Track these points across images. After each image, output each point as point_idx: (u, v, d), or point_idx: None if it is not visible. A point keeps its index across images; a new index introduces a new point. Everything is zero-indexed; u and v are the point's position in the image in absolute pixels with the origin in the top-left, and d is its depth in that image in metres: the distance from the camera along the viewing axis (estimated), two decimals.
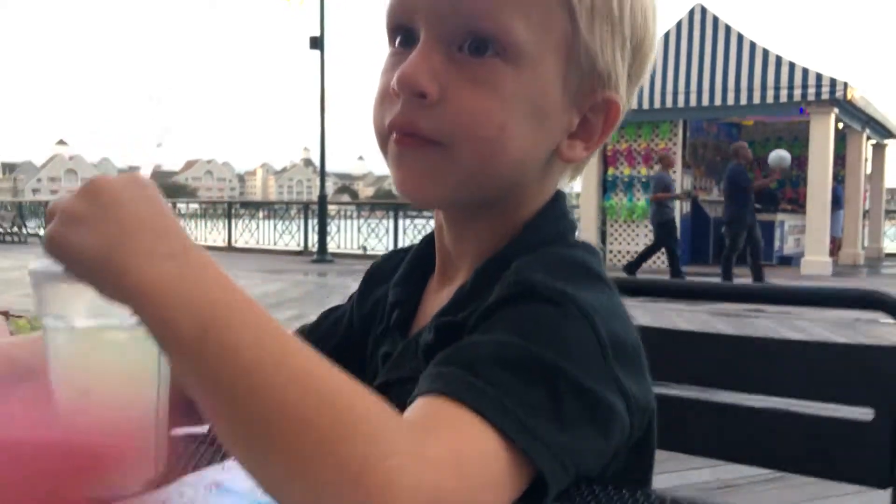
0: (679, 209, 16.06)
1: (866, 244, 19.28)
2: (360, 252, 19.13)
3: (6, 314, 2.35)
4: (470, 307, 0.66)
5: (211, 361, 0.50)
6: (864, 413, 1.05)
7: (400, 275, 0.82)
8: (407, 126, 0.67)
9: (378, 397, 0.52)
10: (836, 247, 17.53)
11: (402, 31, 0.70)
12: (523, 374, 0.56)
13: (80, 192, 0.55)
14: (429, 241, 0.81)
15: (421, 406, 0.55)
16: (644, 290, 1.31)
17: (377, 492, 0.46)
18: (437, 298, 0.77)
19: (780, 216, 17.27)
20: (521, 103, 0.66)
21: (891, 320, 1.04)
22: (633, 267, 12.94)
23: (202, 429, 0.77)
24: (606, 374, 0.60)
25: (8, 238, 26.02)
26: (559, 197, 0.76)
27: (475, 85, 0.65)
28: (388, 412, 0.51)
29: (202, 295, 0.52)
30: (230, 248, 22.07)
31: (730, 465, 1.16)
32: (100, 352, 0.59)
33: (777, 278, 13.84)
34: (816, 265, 14.67)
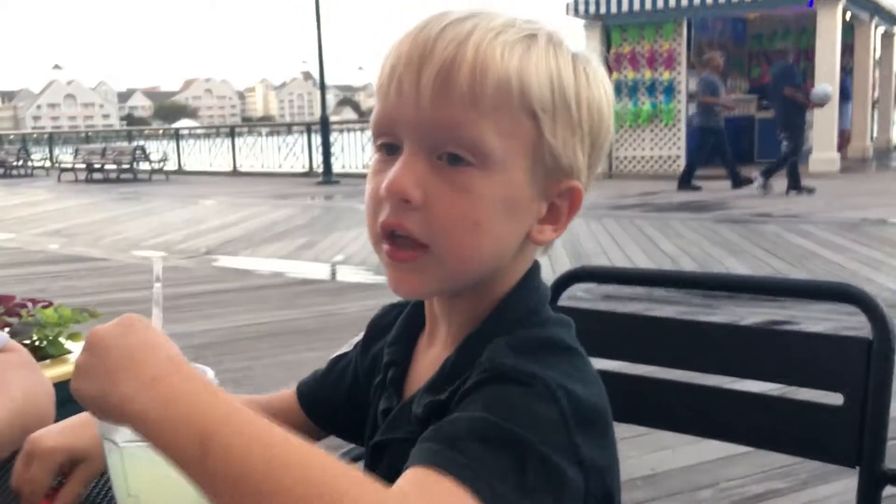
0: (685, 111, 15.89)
1: (875, 136, 19.08)
2: (365, 171, 19.06)
3: (30, 302, 2.42)
4: (453, 384, 0.75)
5: (216, 470, 0.58)
6: (835, 398, 1.14)
7: (393, 335, 0.90)
8: (396, 227, 0.75)
9: (367, 476, 0.60)
10: (844, 140, 17.36)
11: (386, 142, 0.77)
12: (494, 447, 0.65)
13: (86, 346, 0.65)
14: (419, 302, 0.89)
15: (409, 477, 0.64)
16: (612, 278, 1.37)
17: None
18: (426, 358, 0.86)
19: None
20: (493, 202, 0.74)
21: None
22: (686, 178, 12.47)
23: None
24: (567, 446, 0.68)
25: (14, 172, 26.01)
26: (533, 270, 0.83)
27: (453, 190, 0.73)
28: (379, 490, 0.59)
29: (194, 411, 0.60)
30: (235, 173, 22.08)
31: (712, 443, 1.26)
32: (140, 463, 0.69)
33: (785, 177, 13.80)
34: (824, 162, 14.59)
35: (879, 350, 1.07)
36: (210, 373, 0.73)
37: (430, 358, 0.84)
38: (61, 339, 2.44)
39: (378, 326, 0.96)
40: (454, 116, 0.72)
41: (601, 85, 0.79)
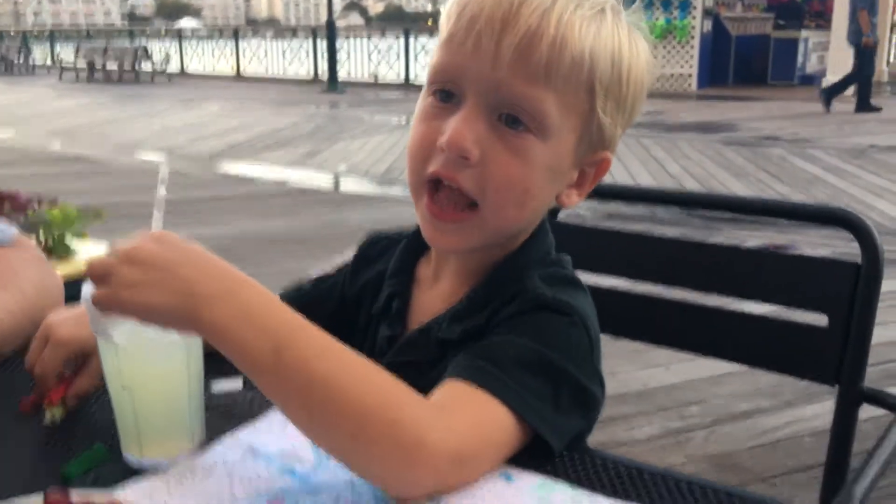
0: (700, 27, 15.53)
1: (892, 60, 18.67)
2: (372, 81, 18.84)
3: (36, 202, 2.44)
4: (484, 312, 0.81)
5: (287, 376, 0.65)
6: (821, 319, 1.17)
7: (394, 268, 0.94)
8: (450, 180, 0.78)
9: (410, 388, 0.67)
10: None
11: (443, 88, 0.79)
12: (536, 371, 0.73)
13: (129, 260, 0.66)
14: (417, 234, 0.91)
15: (451, 389, 0.72)
16: (607, 195, 1.37)
17: (427, 456, 0.65)
18: (433, 290, 0.90)
19: (803, 33, 16.67)
20: (543, 169, 0.78)
21: None
22: (831, 94, 11.92)
23: (237, 384, 0.90)
24: (592, 368, 0.78)
25: (15, 69, 25.65)
26: (543, 217, 0.88)
27: (510, 153, 0.76)
28: (422, 399, 0.68)
29: (268, 322, 0.66)
30: (239, 77, 21.77)
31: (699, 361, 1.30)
32: (135, 361, 0.73)
33: (797, 100, 13.62)
34: None
35: (867, 273, 1.10)
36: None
37: (439, 290, 0.89)
38: (67, 238, 2.48)
39: (366, 257, 0.99)
40: (527, 86, 0.75)
41: (648, 59, 0.82)
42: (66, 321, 0.85)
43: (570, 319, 0.77)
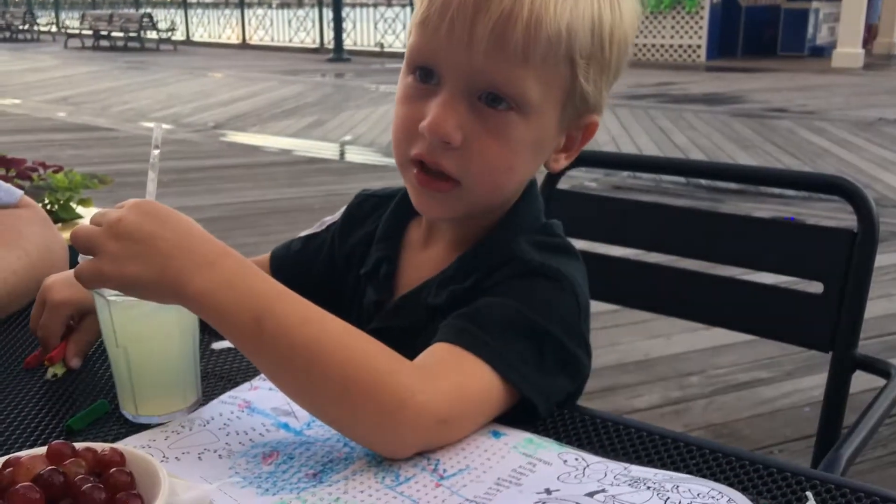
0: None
1: None
2: (377, 50, 18.71)
3: (41, 166, 2.45)
4: (474, 275, 0.82)
5: (269, 343, 0.67)
6: (815, 286, 1.18)
7: (383, 231, 0.94)
8: (432, 164, 0.78)
9: (395, 352, 0.69)
10: (871, 35, 16.84)
11: (422, 69, 0.78)
12: (520, 333, 0.74)
13: (112, 233, 0.68)
14: (405, 198, 0.91)
15: (436, 352, 0.73)
16: (606, 164, 1.38)
17: (411, 418, 0.67)
18: (422, 255, 0.91)
19: (814, 3, 16.47)
20: (526, 146, 0.79)
21: None
22: None
23: None
24: (580, 334, 0.79)
25: (20, 36, 25.53)
26: (532, 181, 0.88)
27: (492, 135, 0.77)
28: (406, 362, 0.69)
29: (248, 291, 0.68)
30: (244, 46, 21.63)
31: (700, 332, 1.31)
32: (127, 318, 0.74)
33: (807, 72, 13.50)
34: (848, 57, 14.20)
35: (862, 241, 1.11)
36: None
37: (428, 256, 0.90)
38: (72, 204, 2.49)
39: (355, 217, 1.00)
40: (505, 69, 0.74)
41: (632, 16, 0.80)
42: (62, 283, 0.87)
43: (559, 284, 0.78)
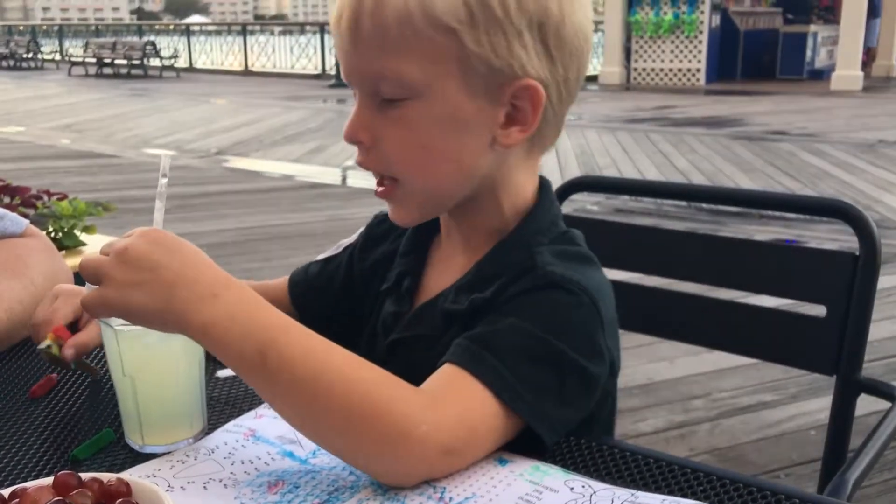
0: (708, 21, 15.48)
1: None
2: None
3: (45, 194, 2.47)
4: (493, 284, 0.81)
5: (273, 376, 0.68)
6: (819, 310, 1.18)
7: (405, 247, 0.95)
8: (364, 165, 0.82)
9: (399, 380, 0.69)
10: (869, 58, 16.93)
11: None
12: (538, 361, 0.73)
13: (118, 259, 0.68)
14: None
15: (445, 376, 0.73)
16: (610, 188, 1.38)
17: (415, 449, 0.67)
18: (442, 264, 0.91)
19: (812, 27, 16.59)
20: (433, 125, 0.77)
21: None
22: None
23: None
24: (601, 350, 0.77)
25: (24, 64, 25.74)
26: (547, 187, 0.88)
27: (395, 126, 0.78)
28: (411, 391, 0.69)
29: (252, 323, 0.68)
30: (247, 73, 21.79)
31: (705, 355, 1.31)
32: (134, 348, 0.75)
33: (806, 95, 13.57)
34: (847, 80, 14.27)
35: (865, 265, 1.11)
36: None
37: (447, 265, 0.90)
38: (76, 231, 2.50)
39: (375, 235, 1.01)
40: (369, 61, 0.76)
41: None
42: (76, 286, 0.89)
43: (578, 299, 0.77)
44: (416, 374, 0.71)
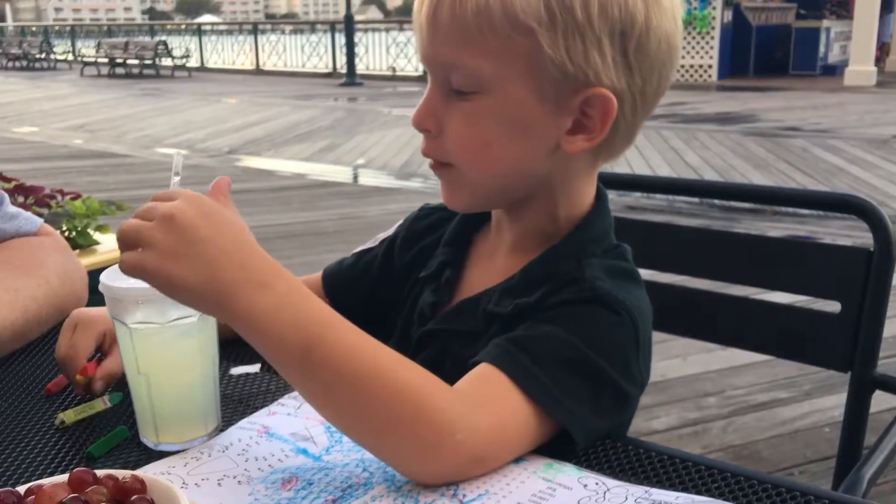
0: (720, 17, 15.40)
1: None
2: (390, 73, 18.84)
3: (59, 193, 2.48)
4: (538, 290, 0.80)
5: (315, 373, 0.66)
6: (834, 306, 1.18)
7: (450, 236, 0.94)
8: (426, 153, 0.82)
9: (439, 381, 0.68)
10: (883, 53, 16.81)
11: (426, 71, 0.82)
12: (575, 371, 0.73)
13: (163, 225, 0.64)
14: None
15: (484, 378, 0.72)
16: (624, 185, 1.38)
17: (449, 455, 0.67)
18: (488, 262, 0.90)
19: (825, 22, 16.47)
20: (497, 124, 0.77)
21: None
22: None
23: (255, 368, 0.93)
24: (635, 370, 0.78)
25: (37, 64, 25.90)
26: (603, 197, 0.87)
27: (461, 118, 0.78)
28: (450, 394, 0.68)
29: (298, 317, 0.65)
30: (258, 72, 21.85)
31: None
32: (149, 346, 0.75)
33: (819, 90, 13.48)
34: (860, 75, 14.17)
35: (879, 260, 1.10)
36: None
37: (491, 262, 0.89)
38: (90, 231, 2.52)
39: (418, 228, 1.00)
40: (444, 50, 0.76)
41: None
42: (92, 309, 0.88)
43: (621, 319, 0.76)
44: (444, 367, 0.71)
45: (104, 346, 0.88)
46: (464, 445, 0.67)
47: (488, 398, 0.70)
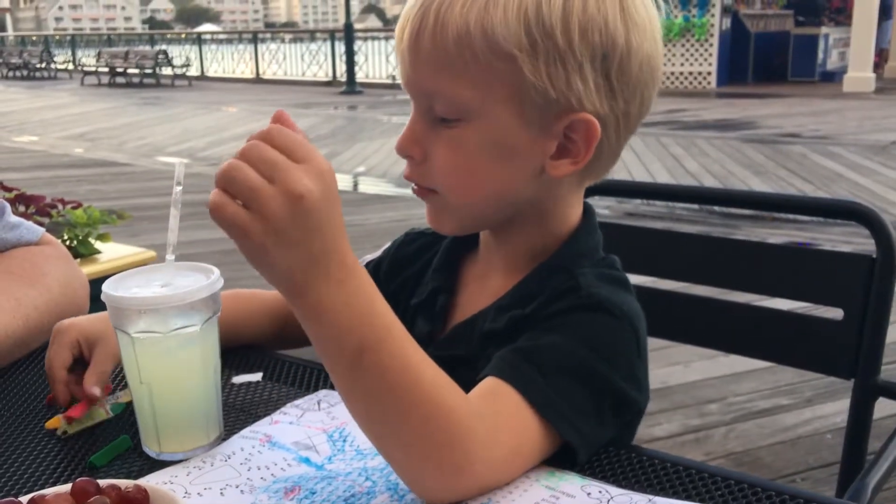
0: (718, 24, 15.45)
1: None
2: (389, 82, 18.88)
3: (59, 203, 2.49)
4: (532, 303, 0.81)
5: (361, 377, 0.64)
6: (836, 313, 1.18)
7: (439, 262, 0.93)
8: (409, 178, 0.82)
9: (471, 402, 0.68)
10: (882, 59, 16.84)
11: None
12: (580, 381, 0.73)
13: (287, 201, 0.59)
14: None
15: (493, 392, 0.72)
16: (621, 192, 1.37)
17: (464, 484, 0.67)
18: (480, 284, 0.89)
19: (823, 29, 16.51)
20: (482, 150, 0.77)
21: None
22: None
23: (257, 377, 0.92)
24: (636, 374, 0.78)
25: (38, 74, 25.96)
26: (591, 213, 0.88)
27: (445, 145, 0.78)
28: (480, 424, 0.67)
29: (363, 321, 0.64)
30: (258, 80, 21.89)
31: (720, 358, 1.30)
32: (151, 355, 0.75)
33: (818, 97, 13.51)
34: (859, 82, 14.19)
35: (882, 267, 1.10)
36: (216, 272, 0.77)
37: (483, 284, 0.89)
38: (91, 239, 2.52)
39: (405, 254, 0.99)
40: (426, 78, 0.77)
41: (607, 4, 0.74)
42: (70, 318, 0.88)
43: (621, 324, 0.77)
44: None
45: (83, 352, 0.87)
46: (481, 476, 0.67)
47: (502, 416, 0.70)
